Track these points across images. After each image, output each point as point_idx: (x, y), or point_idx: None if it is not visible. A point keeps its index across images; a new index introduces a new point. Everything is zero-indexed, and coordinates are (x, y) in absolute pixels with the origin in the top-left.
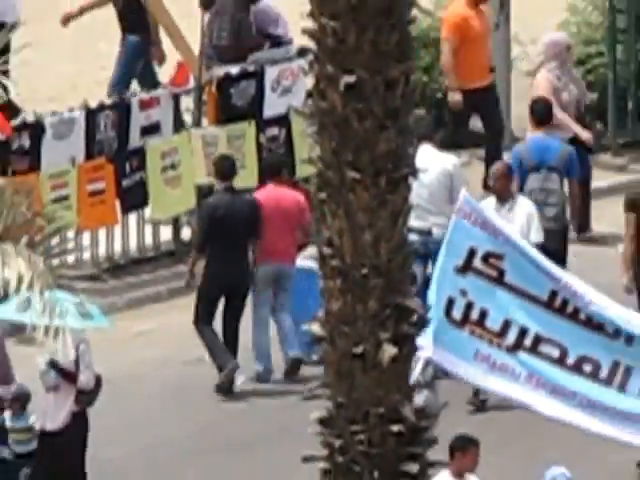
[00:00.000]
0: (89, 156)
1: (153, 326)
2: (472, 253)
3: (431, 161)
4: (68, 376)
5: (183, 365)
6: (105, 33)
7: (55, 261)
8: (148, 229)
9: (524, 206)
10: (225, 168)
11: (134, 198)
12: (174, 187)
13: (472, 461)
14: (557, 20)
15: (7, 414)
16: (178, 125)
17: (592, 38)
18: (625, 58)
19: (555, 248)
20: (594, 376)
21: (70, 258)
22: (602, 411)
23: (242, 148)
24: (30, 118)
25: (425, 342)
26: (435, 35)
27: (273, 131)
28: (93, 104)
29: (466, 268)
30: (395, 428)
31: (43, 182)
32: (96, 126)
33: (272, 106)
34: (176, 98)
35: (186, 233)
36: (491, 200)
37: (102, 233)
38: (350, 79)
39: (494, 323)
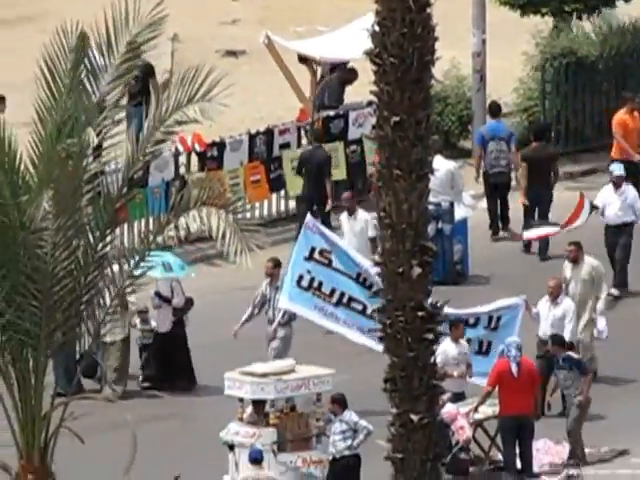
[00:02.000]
0: (251, 160)
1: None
2: (313, 249)
3: (440, 164)
4: (165, 300)
5: None
6: (260, 91)
7: (238, 217)
8: (282, 202)
9: (362, 215)
10: (316, 135)
11: (277, 184)
12: (300, 178)
13: (461, 332)
14: (513, 86)
15: (138, 320)
16: (300, 143)
17: (531, 96)
18: (549, 108)
19: (506, 182)
20: None
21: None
22: None
23: (336, 157)
24: (217, 139)
25: (283, 301)
26: (444, 94)
27: (353, 147)
28: (253, 131)
29: (310, 258)
30: (420, 313)
31: (225, 176)
32: (255, 144)
33: (353, 134)
34: (299, 128)
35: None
36: (345, 213)
37: (257, 204)
38: (396, 119)
39: (326, 289)
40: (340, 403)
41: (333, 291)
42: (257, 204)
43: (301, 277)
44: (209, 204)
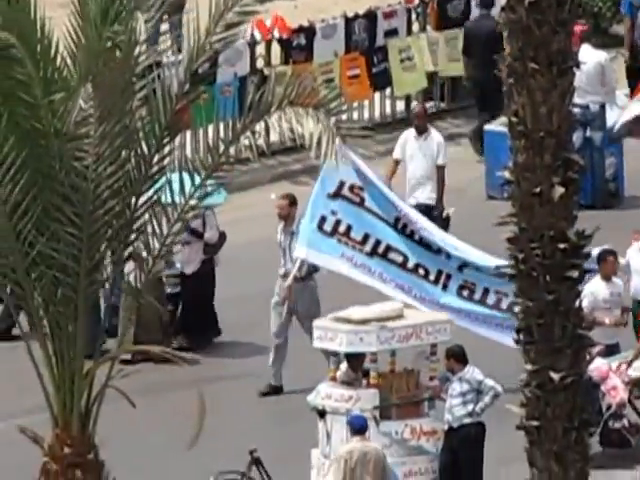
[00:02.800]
0: (347, 51)
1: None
2: (342, 184)
3: (588, 56)
4: (196, 233)
5: None
6: None
7: (334, 119)
8: (388, 102)
9: (435, 137)
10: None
11: (381, 81)
12: (410, 73)
13: (612, 267)
14: None
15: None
16: (410, 30)
17: None
18: None
19: None
20: (425, 277)
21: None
22: (427, 301)
23: (457, 46)
24: (305, 23)
25: (300, 249)
26: None
27: None
28: (350, 14)
29: (337, 194)
30: (562, 246)
31: (315, 69)
32: (352, 30)
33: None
34: (409, 11)
35: (413, 105)
36: (412, 131)
37: (356, 104)
38: None
39: (357, 235)
40: (459, 358)
41: (366, 237)
42: (355, 104)
43: (323, 219)
44: (297, 104)
